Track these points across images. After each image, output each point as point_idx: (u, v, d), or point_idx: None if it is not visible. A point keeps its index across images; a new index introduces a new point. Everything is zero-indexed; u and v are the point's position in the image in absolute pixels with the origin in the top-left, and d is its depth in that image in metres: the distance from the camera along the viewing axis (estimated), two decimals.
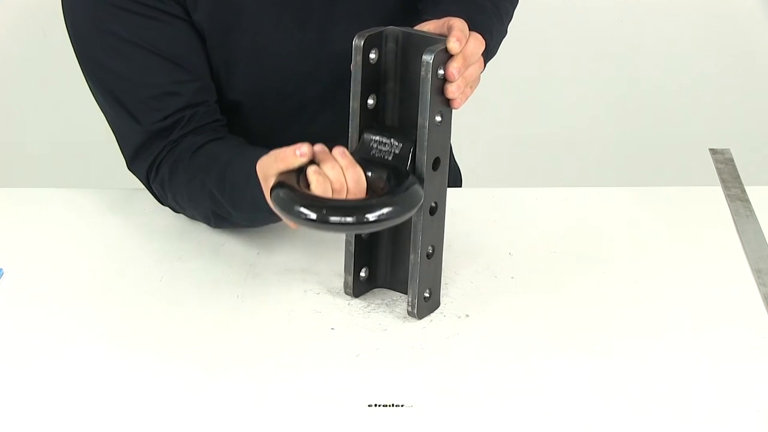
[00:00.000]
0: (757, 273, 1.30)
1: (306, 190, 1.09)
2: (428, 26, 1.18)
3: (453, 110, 1.16)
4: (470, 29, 1.15)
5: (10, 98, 2.65)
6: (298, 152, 1.10)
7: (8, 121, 2.68)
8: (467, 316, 1.23)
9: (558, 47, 2.64)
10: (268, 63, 1.37)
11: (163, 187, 1.34)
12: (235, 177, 1.24)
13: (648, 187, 1.50)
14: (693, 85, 2.66)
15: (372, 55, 1.15)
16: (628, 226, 1.41)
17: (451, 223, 1.23)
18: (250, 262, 1.32)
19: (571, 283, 1.29)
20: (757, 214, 1.41)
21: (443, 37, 1.13)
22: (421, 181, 1.14)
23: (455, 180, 1.64)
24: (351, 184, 1.11)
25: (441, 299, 1.24)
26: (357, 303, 1.25)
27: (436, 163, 1.16)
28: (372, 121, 1.18)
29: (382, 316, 1.23)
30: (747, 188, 1.47)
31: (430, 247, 1.19)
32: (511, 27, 1.42)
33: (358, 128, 1.18)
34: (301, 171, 1.11)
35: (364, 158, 1.15)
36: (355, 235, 1.22)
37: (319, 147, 1.12)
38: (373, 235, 1.24)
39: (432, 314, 1.23)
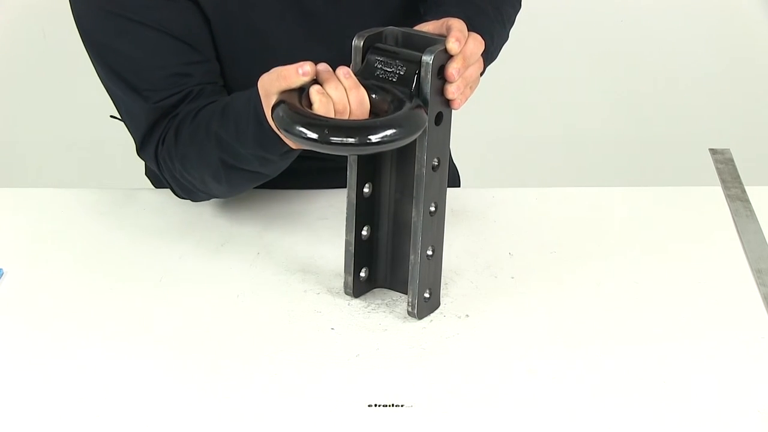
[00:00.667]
0: (757, 273, 1.30)
1: (308, 110, 1.06)
2: (427, 27, 1.18)
3: (453, 110, 1.16)
4: (469, 30, 1.15)
5: (9, 98, 2.65)
6: (300, 71, 1.08)
7: (8, 121, 2.69)
8: (467, 316, 1.23)
9: (558, 48, 2.64)
10: (270, 58, 1.37)
11: (170, 156, 1.32)
12: (235, 105, 1.22)
13: (648, 187, 1.50)
14: (693, 85, 2.67)
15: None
16: (628, 226, 1.41)
17: (451, 223, 1.23)
18: (249, 262, 1.32)
19: (571, 283, 1.29)
20: (757, 214, 1.41)
21: (443, 38, 1.13)
22: (423, 105, 1.10)
23: (453, 181, 1.64)
24: (354, 105, 1.09)
25: (441, 299, 1.24)
26: (357, 303, 1.25)
27: (436, 164, 1.16)
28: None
29: (382, 316, 1.23)
30: (747, 188, 1.47)
31: (430, 248, 1.19)
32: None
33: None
34: (303, 91, 1.08)
35: (368, 79, 1.12)
36: (355, 236, 1.21)
37: (323, 66, 1.10)
38: (373, 236, 1.23)
39: (432, 314, 1.22)
